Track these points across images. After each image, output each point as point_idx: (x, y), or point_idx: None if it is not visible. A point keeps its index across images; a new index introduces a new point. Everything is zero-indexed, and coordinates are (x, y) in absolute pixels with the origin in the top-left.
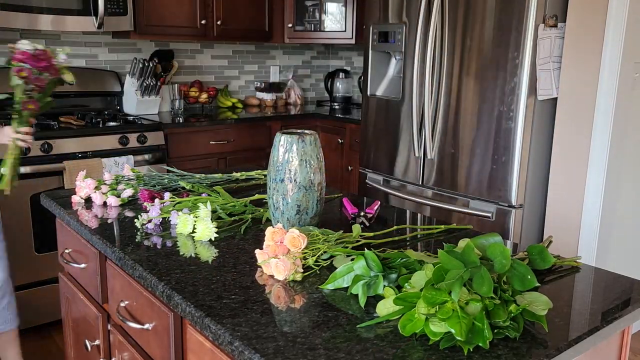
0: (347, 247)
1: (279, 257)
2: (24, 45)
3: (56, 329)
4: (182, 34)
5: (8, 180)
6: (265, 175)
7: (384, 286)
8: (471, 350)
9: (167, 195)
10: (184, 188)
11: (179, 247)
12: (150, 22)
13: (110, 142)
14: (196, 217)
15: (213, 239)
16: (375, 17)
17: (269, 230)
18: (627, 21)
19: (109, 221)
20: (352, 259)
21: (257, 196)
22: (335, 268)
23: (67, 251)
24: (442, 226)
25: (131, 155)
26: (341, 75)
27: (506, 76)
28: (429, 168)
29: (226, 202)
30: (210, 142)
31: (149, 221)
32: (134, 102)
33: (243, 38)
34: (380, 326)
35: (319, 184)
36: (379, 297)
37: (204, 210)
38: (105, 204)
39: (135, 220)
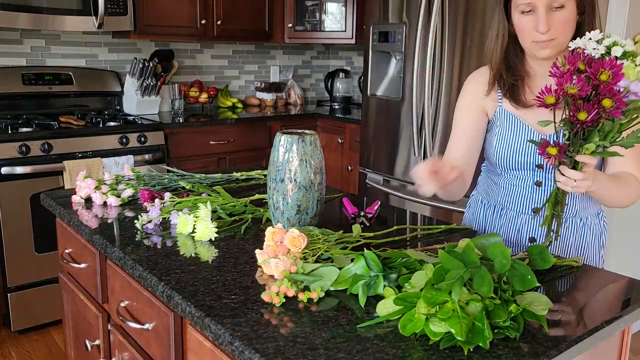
0: (347, 247)
1: (279, 257)
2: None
3: (56, 329)
4: (182, 33)
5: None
6: (265, 175)
7: (384, 286)
8: (471, 350)
9: (167, 195)
10: (184, 188)
11: (179, 247)
12: (150, 22)
13: (110, 142)
14: (196, 217)
15: (213, 239)
16: (375, 17)
17: (269, 230)
18: (627, 21)
19: (109, 221)
20: (352, 260)
21: (257, 196)
22: None
23: (67, 251)
24: (442, 226)
25: (131, 155)
26: (341, 75)
27: None
28: None
29: (226, 202)
30: (210, 142)
31: (149, 221)
32: (134, 102)
33: (243, 38)
34: (380, 326)
35: (319, 184)
36: (379, 297)
37: (204, 210)
38: (105, 204)
39: (135, 220)
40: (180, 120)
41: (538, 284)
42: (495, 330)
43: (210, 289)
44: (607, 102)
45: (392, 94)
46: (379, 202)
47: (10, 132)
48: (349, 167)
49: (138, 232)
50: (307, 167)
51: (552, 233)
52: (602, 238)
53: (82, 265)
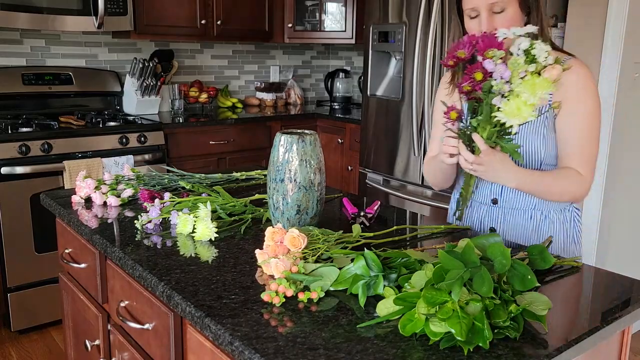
0: (347, 247)
1: (279, 257)
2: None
3: (56, 329)
4: (182, 33)
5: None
6: (265, 175)
7: (384, 286)
8: (471, 350)
9: (167, 195)
10: (184, 188)
11: (179, 247)
12: (150, 22)
13: (110, 142)
14: (196, 217)
15: (213, 239)
16: (375, 17)
17: (269, 230)
18: (627, 21)
19: (109, 221)
20: (352, 260)
21: (257, 196)
22: None
23: (67, 251)
24: (442, 226)
25: (131, 155)
26: (341, 75)
27: None
28: None
29: (226, 202)
30: (210, 142)
31: (149, 221)
32: (134, 102)
33: (243, 38)
34: (380, 326)
35: (319, 184)
36: (379, 297)
37: (204, 210)
38: (105, 203)
39: (135, 220)
40: (180, 120)
41: (538, 284)
42: (495, 330)
43: (210, 289)
44: (478, 75)
45: (392, 94)
46: (379, 202)
47: (10, 132)
48: (349, 167)
49: (138, 232)
50: (307, 167)
51: (458, 211)
52: (571, 234)
53: (82, 265)
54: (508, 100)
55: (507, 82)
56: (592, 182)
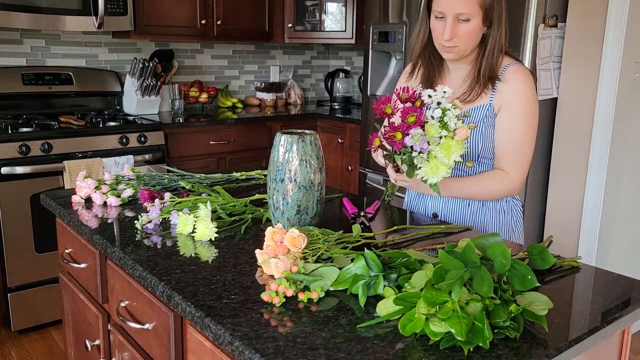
0: (347, 247)
1: (279, 257)
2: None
3: (56, 329)
4: (182, 33)
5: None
6: (265, 175)
7: (384, 286)
8: (471, 350)
9: (167, 195)
10: (184, 188)
11: (179, 247)
12: (150, 22)
13: (110, 142)
14: (196, 217)
15: (213, 239)
16: (375, 17)
17: (269, 230)
18: (627, 21)
19: (109, 221)
20: (352, 260)
21: (257, 196)
22: None
23: (67, 251)
24: (442, 226)
25: (131, 155)
26: (341, 75)
27: None
28: None
29: (226, 202)
30: (210, 142)
31: (149, 221)
32: (134, 102)
33: (243, 38)
34: (380, 326)
35: (319, 184)
36: (379, 297)
37: (204, 210)
38: (105, 203)
39: (135, 220)
40: (180, 120)
41: (538, 284)
42: (495, 330)
43: (210, 289)
44: (398, 135)
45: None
46: (379, 202)
47: (10, 132)
48: (349, 167)
49: (138, 232)
50: (307, 167)
51: (386, 196)
52: (510, 222)
53: (82, 265)
54: (428, 160)
55: (420, 152)
56: (521, 180)
